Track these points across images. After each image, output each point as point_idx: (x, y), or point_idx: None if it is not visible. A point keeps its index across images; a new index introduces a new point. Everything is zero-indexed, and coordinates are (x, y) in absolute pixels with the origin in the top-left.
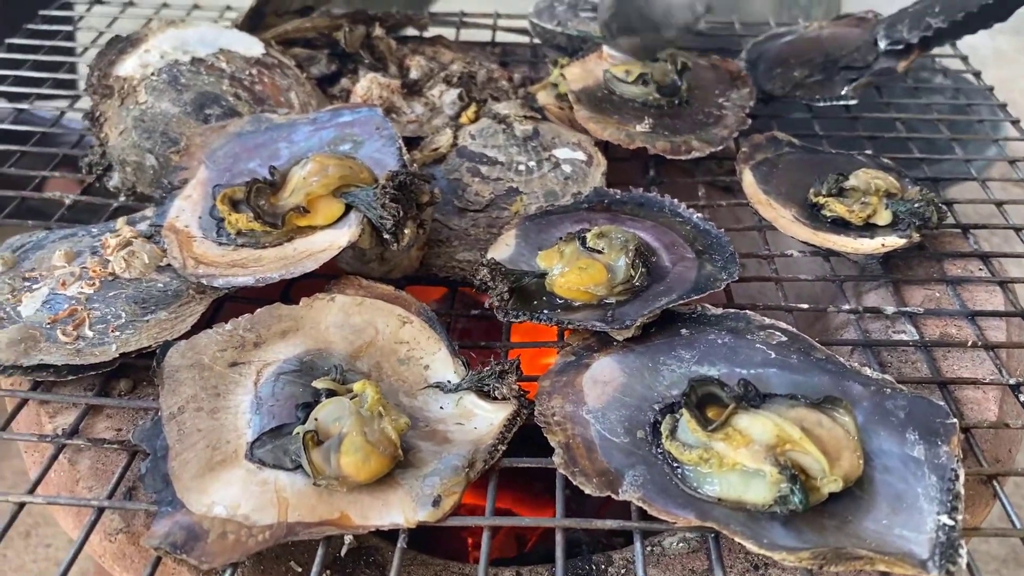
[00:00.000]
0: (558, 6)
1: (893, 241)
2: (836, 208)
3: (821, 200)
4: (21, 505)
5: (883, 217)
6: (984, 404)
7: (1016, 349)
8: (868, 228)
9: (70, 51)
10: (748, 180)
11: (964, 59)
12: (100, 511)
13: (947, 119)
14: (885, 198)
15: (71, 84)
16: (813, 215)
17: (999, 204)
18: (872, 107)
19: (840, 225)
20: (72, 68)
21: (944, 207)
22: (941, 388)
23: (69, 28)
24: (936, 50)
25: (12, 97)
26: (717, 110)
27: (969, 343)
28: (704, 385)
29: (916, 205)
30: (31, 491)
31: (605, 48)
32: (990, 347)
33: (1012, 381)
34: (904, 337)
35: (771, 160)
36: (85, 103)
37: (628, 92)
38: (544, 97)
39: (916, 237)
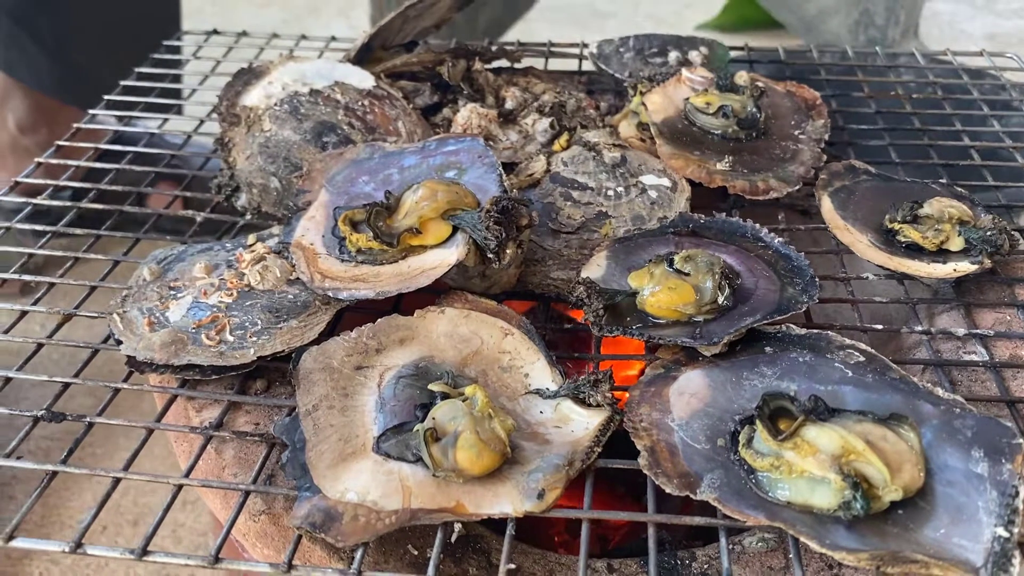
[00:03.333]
0: (625, 53)
1: (965, 267)
2: (910, 234)
3: (896, 226)
4: (179, 487)
5: (956, 244)
6: None
7: None
8: (941, 253)
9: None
10: (827, 206)
11: None
12: (247, 494)
13: (1021, 147)
14: (958, 225)
15: (177, 109)
16: (888, 240)
17: None
18: (946, 135)
19: (914, 250)
20: (182, 93)
21: (1016, 234)
22: (1010, 407)
23: (190, 58)
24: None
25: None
26: (793, 144)
27: None
28: (776, 399)
29: (988, 233)
30: (186, 475)
31: (684, 72)
32: None
33: None
34: (975, 358)
35: (848, 187)
36: (205, 128)
37: (708, 124)
38: (625, 129)
39: (987, 263)
